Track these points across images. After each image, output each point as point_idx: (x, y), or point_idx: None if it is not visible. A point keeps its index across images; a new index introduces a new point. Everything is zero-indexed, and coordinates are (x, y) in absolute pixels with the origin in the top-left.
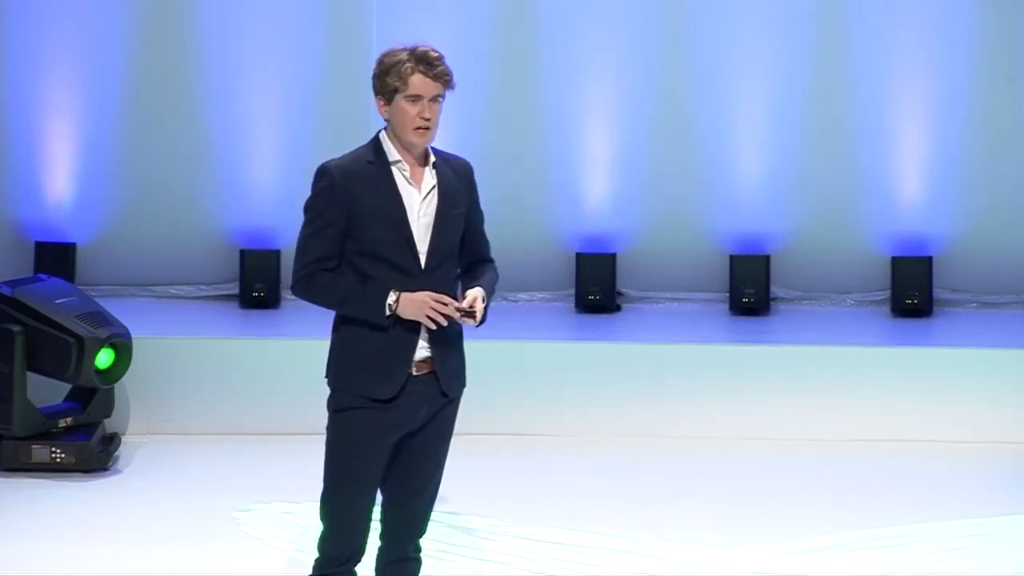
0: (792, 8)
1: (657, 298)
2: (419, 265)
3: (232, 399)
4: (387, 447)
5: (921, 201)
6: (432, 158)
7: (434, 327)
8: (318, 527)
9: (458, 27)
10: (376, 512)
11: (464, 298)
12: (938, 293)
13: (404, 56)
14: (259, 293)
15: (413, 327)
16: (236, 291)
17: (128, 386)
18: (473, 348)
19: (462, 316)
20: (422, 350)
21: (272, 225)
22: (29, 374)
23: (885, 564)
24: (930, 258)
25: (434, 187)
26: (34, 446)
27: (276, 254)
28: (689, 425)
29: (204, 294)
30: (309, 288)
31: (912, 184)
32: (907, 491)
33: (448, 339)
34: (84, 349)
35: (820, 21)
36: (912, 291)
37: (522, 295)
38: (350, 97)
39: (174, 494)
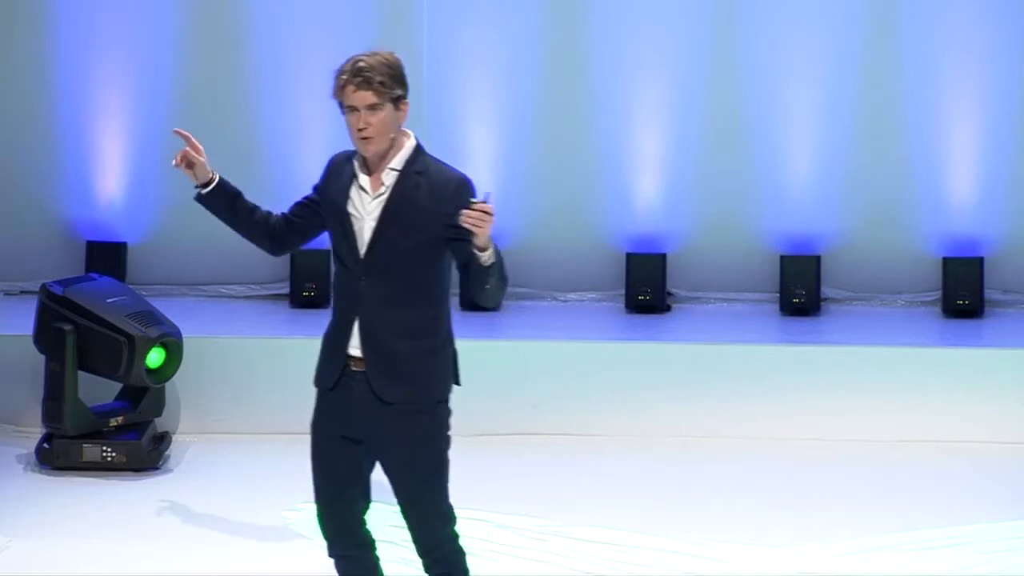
0: (842, 9)
1: (707, 298)
2: (358, 261)
3: (282, 399)
4: (338, 439)
5: (972, 201)
6: (394, 164)
7: None
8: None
9: (509, 29)
10: None
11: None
12: (989, 294)
13: (345, 67)
14: (309, 293)
15: (348, 320)
16: (287, 291)
17: (179, 385)
18: (523, 348)
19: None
20: (354, 348)
21: None
22: (80, 373)
23: (936, 565)
24: (981, 259)
25: (384, 192)
26: (85, 445)
27: (327, 254)
28: (739, 425)
29: (255, 293)
30: None
31: (963, 184)
32: (958, 492)
33: (384, 343)
34: (135, 348)
35: (870, 22)
36: (963, 292)
37: (572, 295)
38: None
39: (224, 493)
